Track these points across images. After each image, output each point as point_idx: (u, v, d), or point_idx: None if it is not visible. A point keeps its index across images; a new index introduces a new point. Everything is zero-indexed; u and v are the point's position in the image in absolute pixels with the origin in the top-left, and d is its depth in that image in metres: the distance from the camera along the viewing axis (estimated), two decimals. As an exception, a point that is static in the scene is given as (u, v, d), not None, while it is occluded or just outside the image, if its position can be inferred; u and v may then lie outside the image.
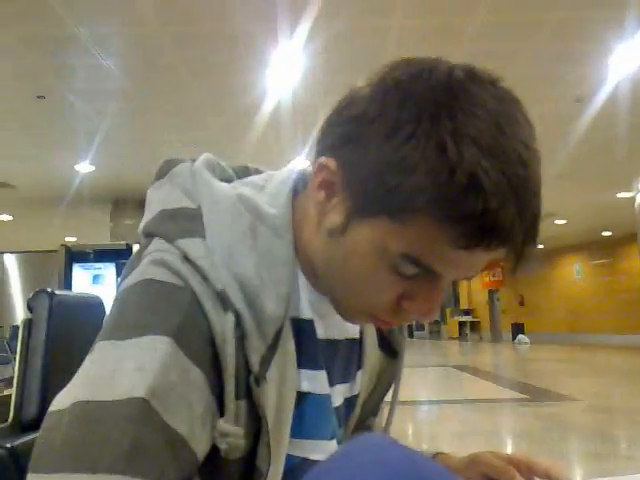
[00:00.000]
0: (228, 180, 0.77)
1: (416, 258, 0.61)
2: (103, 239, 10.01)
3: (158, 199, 0.73)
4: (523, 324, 20.03)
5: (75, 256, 8.63)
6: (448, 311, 23.84)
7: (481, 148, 0.57)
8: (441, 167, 0.56)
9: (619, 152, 7.91)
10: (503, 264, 0.64)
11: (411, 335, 24.32)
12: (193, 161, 0.77)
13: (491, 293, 21.59)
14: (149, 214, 0.73)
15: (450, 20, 4.70)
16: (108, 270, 8.51)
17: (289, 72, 5.48)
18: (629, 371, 10.74)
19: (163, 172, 0.76)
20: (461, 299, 24.19)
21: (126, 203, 9.81)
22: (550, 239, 17.01)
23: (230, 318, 0.62)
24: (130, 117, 6.52)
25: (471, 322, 23.12)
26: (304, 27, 4.64)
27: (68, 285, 8.38)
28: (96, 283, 8.53)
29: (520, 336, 19.18)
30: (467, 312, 23.50)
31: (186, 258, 0.65)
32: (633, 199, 10.53)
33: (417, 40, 4.88)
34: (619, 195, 10.87)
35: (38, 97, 5.78)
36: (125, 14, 4.39)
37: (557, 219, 13.46)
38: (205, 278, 0.63)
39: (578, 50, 5.20)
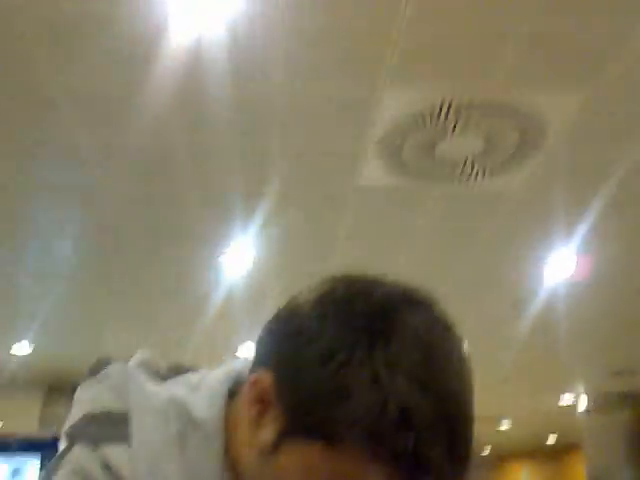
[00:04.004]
0: (163, 379, 0.75)
1: None
2: (31, 426, 9.36)
3: (86, 399, 0.72)
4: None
5: (-5, 445, 8.04)
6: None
7: (413, 382, 0.57)
8: (374, 399, 0.57)
9: (560, 355, 8.09)
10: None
11: None
12: (127, 361, 0.76)
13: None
14: (75, 415, 0.71)
15: (401, 223, 4.97)
16: (31, 463, 7.86)
17: (242, 261, 5.61)
18: None
19: (95, 370, 0.74)
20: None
21: (61, 390, 9.35)
22: (496, 445, 16.65)
23: None
24: (76, 300, 6.45)
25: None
26: (258, 217, 4.80)
27: (-18, 480, 7.72)
28: (15, 477, 7.83)
29: None
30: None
31: (107, 466, 0.62)
32: (575, 405, 10.57)
33: (365, 238, 5.13)
34: (562, 401, 10.91)
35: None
36: (85, 201, 4.54)
37: (502, 424, 13.29)
38: None
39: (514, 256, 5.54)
